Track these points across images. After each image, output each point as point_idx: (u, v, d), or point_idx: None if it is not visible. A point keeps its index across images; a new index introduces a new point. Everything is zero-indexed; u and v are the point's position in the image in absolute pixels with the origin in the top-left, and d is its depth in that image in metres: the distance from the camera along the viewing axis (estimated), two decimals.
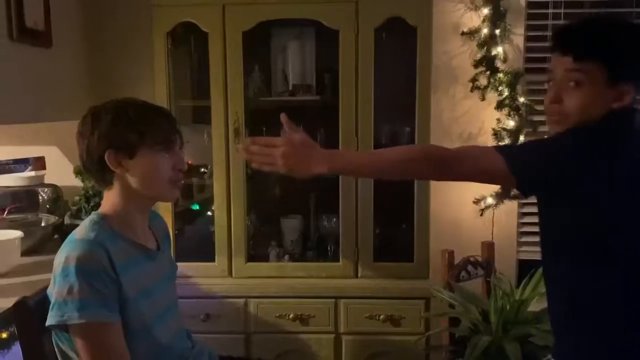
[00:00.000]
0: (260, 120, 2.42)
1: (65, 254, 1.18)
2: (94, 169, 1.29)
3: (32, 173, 2.37)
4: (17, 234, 1.81)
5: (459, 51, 2.43)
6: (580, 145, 1.19)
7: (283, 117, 1.34)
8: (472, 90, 2.38)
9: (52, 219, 2.14)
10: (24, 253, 1.90)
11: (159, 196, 1.38)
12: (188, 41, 2.36)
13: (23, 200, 2.32)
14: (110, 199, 1.32)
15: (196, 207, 2.61)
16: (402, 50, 2.26)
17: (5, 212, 2.11)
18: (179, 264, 2.22)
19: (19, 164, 2.41)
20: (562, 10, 2.42)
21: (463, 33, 2.38)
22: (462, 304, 2.06)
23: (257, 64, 2.34)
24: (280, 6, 2.15)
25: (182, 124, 2.35)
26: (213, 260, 2.27)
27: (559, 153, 1.19)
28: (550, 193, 1.24)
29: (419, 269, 2.23)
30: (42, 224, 2.10)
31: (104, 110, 1.28)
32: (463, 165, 1.23)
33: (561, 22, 2.40)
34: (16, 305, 1.17)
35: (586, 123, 1.22)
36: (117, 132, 1.26)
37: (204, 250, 2.30)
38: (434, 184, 2.19)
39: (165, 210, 2.19)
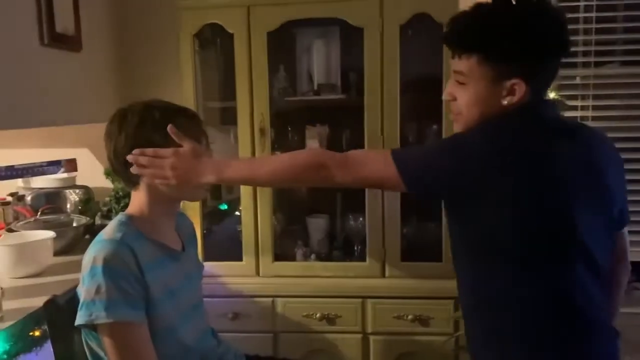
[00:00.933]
0: (285, 120, 2.43)
1: (93, 254, 1.20)
2: (121, 169, 1.31)
3: (64, 175, 2.43)
4: (50, 234, 1.86)
5: None
6: (476, 153, 1.15)
7: (170, 128, 1.28)
8: None
9: (83, 219, 2.19)
10: (56, 253, 1.94)
11: (184, 197, 1.40)
12: (214, 43, 2.39)
13: (55, 202, 2.38)
14: (137, 200, 1.34)
15: (224, 207, 2.63)
16: (428, 47, 2.23)
17: (39, 213, 2.17)
18: (207, 263, 2.28)
19: (52, 166, 2.47)
20: (593, 14, 2.35)
21: None
22: None
23: (282, 64, 2.34)
24: (304, 6, 2.15)
25: (209, 126, 2.44)
26: (241, 259, 2.29)
27: (456, 163, 1.16)
28: (448, 203, 1.25)
29: (448, 269, 2.18)
30: (74, 225, 2.15)
31: (130, 112, 1.30)
32: (347, 171, 1.22)
33: (593, 26, 2.34)
34: (46, 304, 1.19)
35: (480, 122, 1.20)
36: (143, 133, 1.27)
37: (231, 250, 2.32)
38: None
39: (193, 210, 2.21)
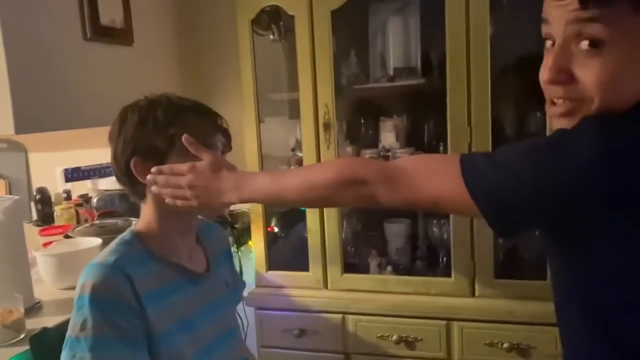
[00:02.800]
0: (357, 112, 2.14)
1: (81, 282, 1.01)
2: (124, 178, 1.11)
3: None
4: (96, 242, 1.74)
5: None
6: (600, 160, 0.70)
7: (186, 138, 1.06)
8: None
9: None
10: None
11: (200, 212, 1.17)
12: (277, 28, 2.15)
13: (122, 204, 2.30)
14: (145, 214, 1.14)
15: (303, 208, 2.40)
16: (527, 15, 1.81)
17: (95, 218, 2.08)
18: (271, 272, 2.08)
19: None
20: None
21: None
22: None
23: (352, 47, 2.05)
24: None
25: (274, 118, 2.23)
26: (307, 269, 2.04)
27: (562, 176, 0.72)
28: (551, 235, 0.83)
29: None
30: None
31: (131, 110, 1.10)
32: (395, 188, 0.86)
33: None
34: (32, 340, 1.02)
35: (613, 110, 0.74)
36: (143, 136, 1.07)
37: (299, 258, 2.09)
38: None
39: (255, 214, 2.01)
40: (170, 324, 1.05)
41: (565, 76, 0.78)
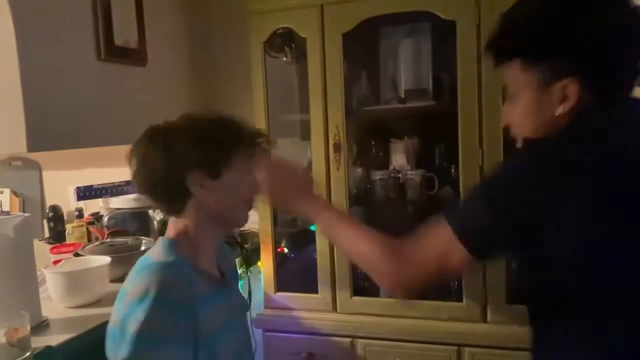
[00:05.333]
0: (367, 133, 2.14)
1: (146, 278, 1.02)
2: (164, 194, 1.13)
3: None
4: (105, 260, 1.74)
5: None
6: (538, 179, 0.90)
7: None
8: None
9: (152, 243, 2.06)
10: (118, 279, 1.82)
11: (233, 219, 1.20)
12: (289, 49, 2.17)
13: (134, 223, 2.30)
14: (179, 225, 1.15)
15: (314, 227, 2.39)
16: None
17: (105, 236, 2.09)
18: (280, 294, 2.06)
19: (131, 185, 2.41)
20: None
21: None
22: None
23: (363, 69, 2.06)
24: (384, 0, 1.85)
25: (286, 139, 2.24)
26: (316, 292, 2.02)
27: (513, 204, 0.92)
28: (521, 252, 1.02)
29: None
30: (142, 248, 2.03)
31: (174, 128, 1.12)
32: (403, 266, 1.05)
33: None
34: (36, 358, 1.01)
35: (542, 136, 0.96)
36: (200, 150, 1.09)
37: (308, 280, 2.06)
38: None
39: (264, 233, 2.01)
40: (210, 330, 1.07)
41: (506, 120, 1.05)
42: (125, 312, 1.01)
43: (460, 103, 1.78)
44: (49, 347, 1.08)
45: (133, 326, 0.98)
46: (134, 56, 1.92)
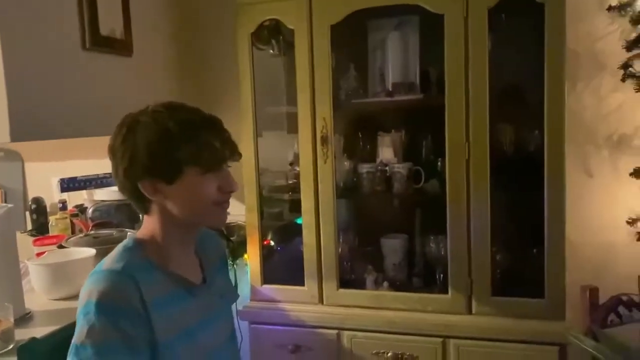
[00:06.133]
0: (355, 126, 2.14)
1: (88, 287, 1.00)
2: (129, 194, 1.10)
3: None
4: (90, 252, 1.72)
5: (605, 32, 1.92)
6: None
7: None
8: (624, 80, 1.86)
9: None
10: None
11: (203, 222, 1.16)
12: (276, 41, 2.16)
13: (118, 215, 2.28)
14: (149, 225, 1.13)
15: (301, 220, 2.39)
16: (525, 34, 1.83)
17: (90, 228, 2.06)
18: (267, 286, 2.06)
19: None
20: None
21: (610, 8, 1.87)
22: (610, 357, 1.57)
23: (351, 61, 2.05)
24: None
25: (272, 132, 2.23)
26: (303, 284, 2.02)
27: None
28: None
29: (552, 308, 1.77)
30: None
31: (140, 125, 1.06)
32: None
33: None
34: (20, 351, 1.00)
35: None
36: (156, 154, 1.04)
37: (294, 272, 2.06)
38: (572, 196, 1.73)
39: (251, 226, 2.00)
40: (172, 335, 1.05)
41: None
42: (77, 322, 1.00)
43: (447, 97, 1.79)
44: (33, 339, 1.07)
45: (76, 336, 0.98)
46: (120, 46, 1.90)
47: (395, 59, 2.02)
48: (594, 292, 1.71)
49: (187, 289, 1.13)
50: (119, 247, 1.10)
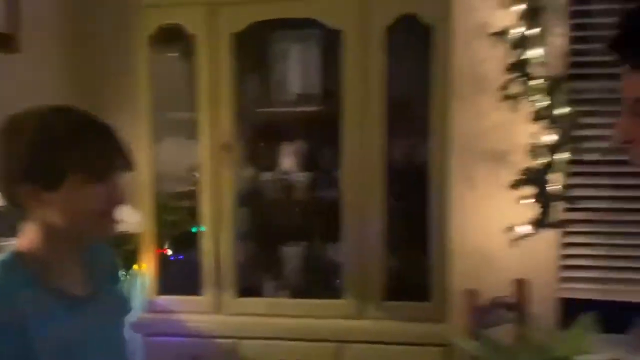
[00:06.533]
0: (258, 135, 2.16)
1: None
2: (7, 200, 1.02)
3: None
4: None
5: (487, 55, 2.09)
6: None
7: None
8: (502, 100, 2.03)
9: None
10: None
11: (86, 233, 1.08)
12: (176, 44, 2.12)
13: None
14: (29, 234, 1.04)
15: (194, 229, 2.34)
16: (418, 52, 1.95)
17: None
18: (164, 296, 2.01)
19: None
20: (610, 6, 2.05)
21: (492, 34, 2.04)
22: (488, 356, 1.70)
23: (256, 71, 2.07)
24: (275, 5, 1.88)
25: (171, 139, 2.18)
26: (201, 293, 2.00)
27: None
28: None
29: (437, 311, 1.89)
30: None
31: (23, 126, 0.98)
32: None
33: (609, 20, 2.03)
34: None
35: None
36: (37, 158, 0.97)
37: (191, 282, 2.03)
38: (456, 206, 1.87)
39: (146, 236, 1.94)
40: (53, 353, 0.98)
41: (628, 138, 0.84)
42: None
43: (345, 108, 1.86)
44: None
45: None
46: (5, 41, 1.77)
47: (296, 70, 2.06)
48: (474, 295, 1.85)
49: (71, 304, 1.06)
50: None
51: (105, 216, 1.05)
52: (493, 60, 2.08)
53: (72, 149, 0.99)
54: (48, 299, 1.02)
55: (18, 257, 1.02)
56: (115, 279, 1.29)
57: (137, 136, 1.91)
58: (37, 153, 0.97)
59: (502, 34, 2.04)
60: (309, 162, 2.10)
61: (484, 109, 2.10)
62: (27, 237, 1.04)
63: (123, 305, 1.31)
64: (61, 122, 1.01)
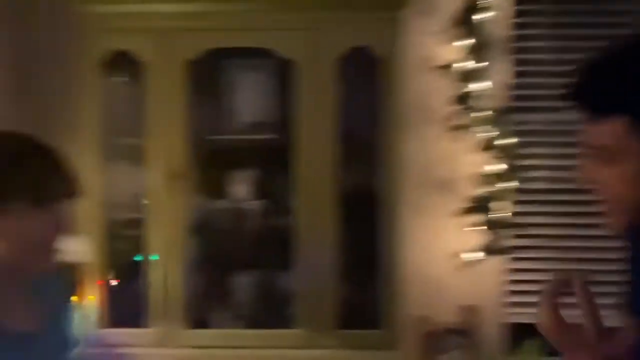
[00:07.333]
0: (209, 163, 2.14)
1: None
2: None
3: None
4: None
5: (433, 87, 2.16)
6: None
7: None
8: (448, 131, 2.10)
9: None
10: None
11: (28, 266, 1.02)
12: (126, 69, 2.09)
13: None
14: None
15: (140, 258, 2.27)
16: (369, 83, 2.00)
17: None
18: (109, 329, 1.93)
19: None
20: (551, 43, 2.17)
21: (438, 67, 2.12)
22: None
23: (208, 98, 2.07)
24: (229, 33, 1.90)
25: (119, 165, 2.12)
26: (148, 326, 1.93)
27: None
28: None
29: (387, 338, 1.90)
30: None
31: None
32: None
33: (551, 56, 2.15)
34: None
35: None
36: None
37: (139, 314, 1.96)
38: (406, 234, 1.90)
39: (91, 265, 1.87)
40: None
41: (593, 183, 0.86)
42: None
43: (298, 137, 1.88)
44: None
45: None
46: None
47: (249, 98, 2.07)
48: (425, 322, 1.87)
49: (17, 341, 0.99)
50: None
51: (47, 247, 1.00)
52: (439, 92, 2.15)
53: (15, 174, 0.95)
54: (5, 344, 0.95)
55: None
56: (64, 313, 1.20)
57: (85, 162, 1.85)
58: None
59: (447, 67, 2.12)
60: (261, 190, 2.10)
61: (431, 139, 2.16)
62: None
63: (70, 340, 1.24)
64: (3, 146, 0.97)
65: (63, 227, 1.00)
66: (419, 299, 2.05)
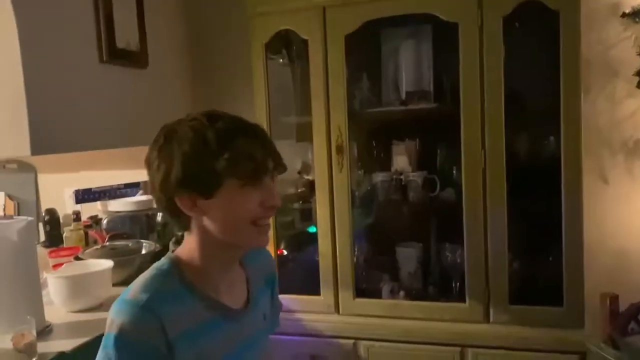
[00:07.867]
0: (369, 135, 2.15)
1: (110, 317, 0.95)
2: (166, 209, 1.03)
3: (143, 197, 2.33)
4: (108, 264, 1.72)
5: (619, 38, 1.92)
6: None
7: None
8: (638, 86, 1.86)
9: (153, 246, 2.04)
10: (121, 283, 1.80)
11: (240, 242, 1.05)
12: (290, 51, 2.17)
13: (134, 226, 2.28)
14: (187, 243, 1.05)
15: (314, 229, 2.38)
16: (540, 42, 1.83)
17: (105, 240, 2.07)
18: (282, 296, 2.05)
19: (130, 188, 2.39)
20: None
21: (624, 15, 1.87)
22: None
23: (365, 71, 2.06)
24: (386, 2, 1.85)
25: (285, 142, 2.22)
26: (319, 293, 2.02)
27: None
28: None
29: (571, 316, 1.76)
30: (142, 252, 2.01)
31: (176, 135, 0.98)
32: None
33: None
34: None
35: None
36: (193, 166, 0.96)
37: (310, 282, 2.06)
38: (588, 203, 1.73)
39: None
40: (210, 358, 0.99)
41: None
42: None
43: (463, 105, 1.79)
44: (62, 354, 1.06)
45: None
46: (136, 58, 1.91)
47: (408, 67, 2.02)
48: (614, 299, 1.70)
49: (223, 316, 1.05)
50: (151, 269, 1.02)
51: (258, 224, 1.02)
52: (625, 44, 1.91)
53: (225, 153, 0.96)
54: (201, 312, 1.01)
55: (175, 265, 1.02)
56: (271, 282, 1.24)
57: None
58: (192, 161, 0.96)
59: (635, 14, 1.87)
60: (423, 162, 2.05)
61: (617, 97, 1.93)
62: (185, 246, 1.04)
63: (275, 309, 1.27)
64: (213, 128, 0.98)
65: (270, 203, 1.01)
66: (605, 274, 1.88)
